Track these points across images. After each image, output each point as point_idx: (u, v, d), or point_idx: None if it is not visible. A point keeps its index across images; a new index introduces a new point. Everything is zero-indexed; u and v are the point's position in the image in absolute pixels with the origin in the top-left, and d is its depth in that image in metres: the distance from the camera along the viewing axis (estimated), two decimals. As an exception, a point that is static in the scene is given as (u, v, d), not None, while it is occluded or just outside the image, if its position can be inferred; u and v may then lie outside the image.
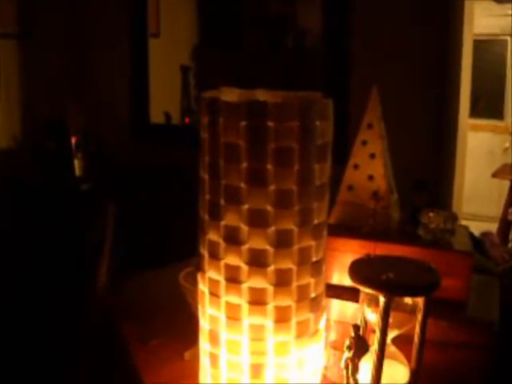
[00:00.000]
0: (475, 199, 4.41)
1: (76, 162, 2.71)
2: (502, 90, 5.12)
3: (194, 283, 1.06)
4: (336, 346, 1.10)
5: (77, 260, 1.88)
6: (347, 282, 1.18)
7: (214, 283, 0.89)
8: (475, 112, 4.19)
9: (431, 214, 1.14)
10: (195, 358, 1.08)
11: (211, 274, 0.90)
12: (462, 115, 3.11)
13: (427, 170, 2.27)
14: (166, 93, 3.43)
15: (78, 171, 2.69)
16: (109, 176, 2.66)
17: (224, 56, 3.17)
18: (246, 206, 0.84)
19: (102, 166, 2.72)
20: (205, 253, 0.91)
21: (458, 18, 2.64)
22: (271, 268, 0.85)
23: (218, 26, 3.26)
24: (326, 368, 1.09)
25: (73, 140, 2.74)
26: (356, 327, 0.88)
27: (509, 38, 5.03)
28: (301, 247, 0.87)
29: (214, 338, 0.92)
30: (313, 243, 0.88)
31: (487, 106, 4.90)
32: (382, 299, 0.90)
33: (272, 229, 0.84)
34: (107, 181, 2.61)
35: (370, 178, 1.22)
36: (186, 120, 3.24)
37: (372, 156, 1.22)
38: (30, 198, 2.40)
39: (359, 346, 0.87)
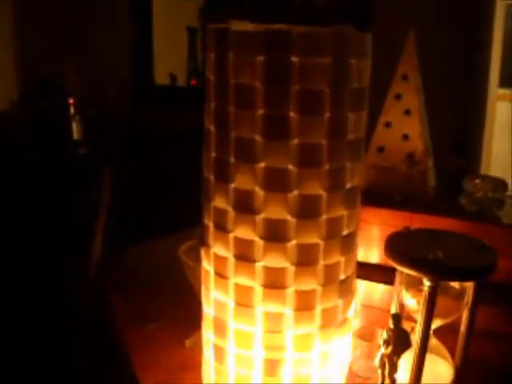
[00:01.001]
0: (494, 171, 4.20)
1: (74, 125, 2.53)
2: (523, 58, 4.86)
3: (197, 259, 0.90)
4: (362, 335, 0.94)
5: (71, 225, 1.71)
6: (374, 259, 1.02)
7: (220, 261, 0.72)
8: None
9: (478, 181, 0.96)
10: (198, 346, 0.93)
11: (217, 249, 0.72)
12: (492, 85, 2.94)
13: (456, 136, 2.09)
14: (172, 54, 3.25)
15: (76, 135, 2.51)
16: (109, 140, 2.48)
17: (233, 17, 2.97)
18: (261, 165, 0.66)
19: (102, 128, 2.55)
20: (209, 223, 0.73)
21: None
22: (292, 243, 0.68)
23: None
24: (351, 361, 0.92)
25: (70, 101, 2.56)
26: (396, 317, 0.71)
27: (532, 3, 4.76)
28: (330, 217, 0.69)
29: (219, 328, 0.76)
30: (344, 212, 0.71)
31: (508, 74, 4.65)
32: (427, 283, 0.73)
33: (294, 193, 0.67)
34: (107, 145, 2.43)
35: (405, 137, 1.04)
36: (193, 82, 3.06)
37: (407, 112, 1.04)
38: (24, 162, 2.23)
39: (400, 340, 0.70)
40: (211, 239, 0.73)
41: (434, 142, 1.09)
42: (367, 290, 0.98)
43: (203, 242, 0.76)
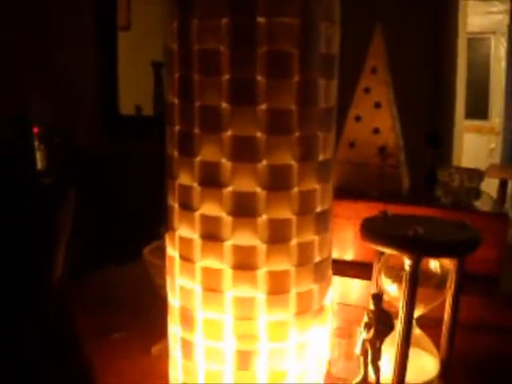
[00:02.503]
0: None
1: (38, 155, 2.46)
2: (486, 90, 4.98)
3: (163, 258, 0.84)
4: (341, 334, 0.88)
5: (33, 249, 1.63)
6: (350, 256, 0.98)
7: (186, 243, 0.67)
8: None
9: (452, 170, 0.93)
10: (165, 354, 0.86)
11: (183, 231, 0.67)
12: (458, 117, 2.99)
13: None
14: (139, 89, 3.23)
15: (40, 164, 2.44)
16: (74, 168, 2.41)
17: None
18: (228, 133, 0.62)
19: (68, 158, 2.48)
20: (174, 204, 0.68)
21: (453, 15, 2.52)
22: (263, 218, 0.63)
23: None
24: (329, 363, 0.87)
25: (35, 130, 2.50)
26: (377, 297, 0.66)
27: (492, 36, 4.90)
28: (302, 190, 0.65)
29: (186, 319, 0.70)
30: (317, 186, 0.66)
31: (472, 105, 4.74)
32: (407, 262, 0.69)
33: (263, 164, 0.62)
34: (72, 173, 2.37)
35: (376, 131, 1.01)
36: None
37: (377, 105, 1.02)
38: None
39: (382, 322, 0.65)
40: (176, 221, 0.68)
41: (407, 137, 1.07)
42: (343, 288, 0.93)
43: (168, 226, 0.70)
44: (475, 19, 4.62)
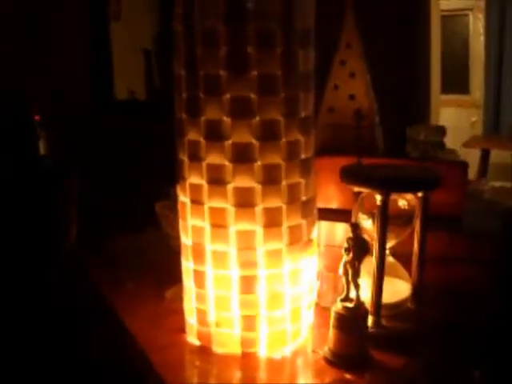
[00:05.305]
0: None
1: (41, 141, 2.59)
2: (466, 65, 5.13)
3: (173, 211, 0.99)
4: (328, 270, 1.03)
5: (43, 222, 1.77)
6: (333, 204, 1.13)
7: (196, 189, 0.81)
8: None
9: (419, 127, 1.08)
10: (178, 297, 1.00)
11: (193, 179, 0.81)
12: (435, 92, 3.10)
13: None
14: (130, 77, 3.34)
15: (42, 150, 2.57)
16: (73, 153, 2.55)
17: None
18: (227, 96, 0.76)
19: (65, 143, 2.61)
20: (184, 158, 0.82)
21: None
22: (258, 163, 0.78)
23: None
24: (318, 296, 1.01)
25: (36, 119, 2.63)
26: (355, 226, 0.81)
27: (470, 13, 5.05)
28: (289, 141, 0.79)
29: (198, 253, 0.84)
30: (301, 138, 0.81)
31: (453, 81, 4.90)
32: (378, 198, 0.83)
33: (257, 119, 0.77)
34: (71, 158, 2.50)
35: (351, 97, 1.16)
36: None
37: (352, 75, 1.16)
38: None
39: (359, 246, 0.79)
40: (186, 172, 0.82)
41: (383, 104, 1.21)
42: (329, 232, 1.08)
43: (179, 177, 0.85)
44: (453, -3, 4.76)
